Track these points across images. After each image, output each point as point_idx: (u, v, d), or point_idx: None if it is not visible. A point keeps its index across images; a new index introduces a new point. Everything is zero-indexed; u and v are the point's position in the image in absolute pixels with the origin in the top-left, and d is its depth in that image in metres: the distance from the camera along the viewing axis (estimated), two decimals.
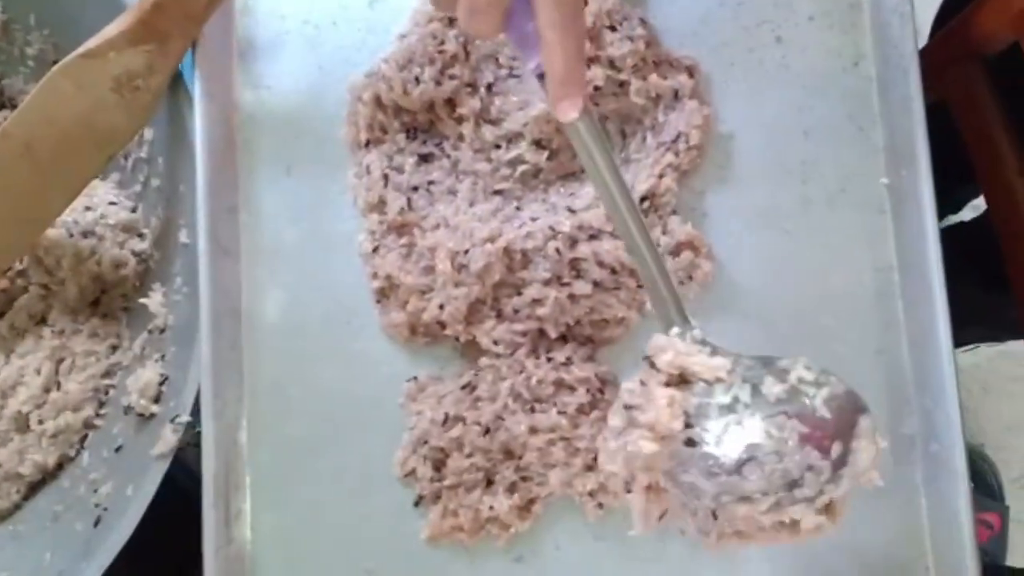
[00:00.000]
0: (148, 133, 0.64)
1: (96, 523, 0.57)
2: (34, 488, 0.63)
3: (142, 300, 0.60)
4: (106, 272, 0.63)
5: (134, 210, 0.65)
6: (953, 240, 0.87)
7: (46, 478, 0.63)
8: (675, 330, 0.45)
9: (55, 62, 0.57)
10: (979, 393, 1.27)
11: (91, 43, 0.54)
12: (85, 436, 0.63)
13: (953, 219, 1.07)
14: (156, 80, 0.55)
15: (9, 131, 0.56)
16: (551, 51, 0.42)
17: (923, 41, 0.71)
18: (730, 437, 0.43)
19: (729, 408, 0.43)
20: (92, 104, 0.55)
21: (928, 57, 0.65)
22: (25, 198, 0.58)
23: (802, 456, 0.41)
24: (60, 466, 0.63)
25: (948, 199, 0.94)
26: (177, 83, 0.59)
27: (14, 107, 0.69)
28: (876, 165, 0.56)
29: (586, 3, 0.56)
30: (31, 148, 0.56)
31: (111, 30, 0.54)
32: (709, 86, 0.57)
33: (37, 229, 0.61)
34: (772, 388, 0.43)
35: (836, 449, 0.41)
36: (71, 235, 0.63)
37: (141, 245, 0.64)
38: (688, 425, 0.43)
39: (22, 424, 0.62)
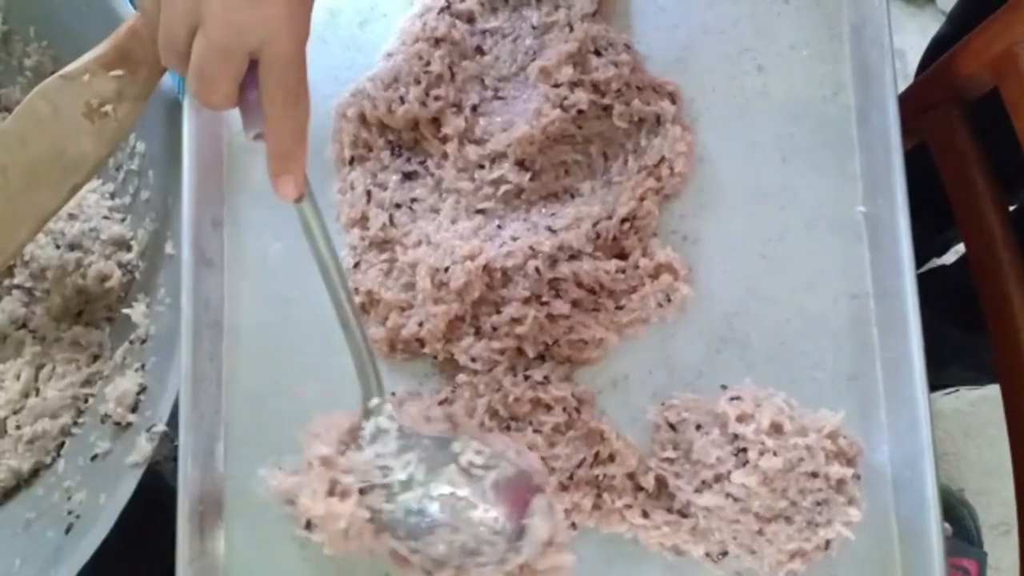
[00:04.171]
0: (140, 146, 0.64)
1: (68, 530, 0.57)
2: (8, 494, 0.63)
3: (125, 310, 0.61)
4: (91, 285, 0.63)
5: (123, 220, 0.65)
6: (935, 281, 0.88)
7: (20, 484, 0.63)
8: (374, 401, 0.50)
9: (53, 73, 0.57)
10: (960, 438, 1.26)
11: (70, 66, 0.54)
12: (62, 443, 0.63)
13: (937, 262, 1.08)
14: (123, 108, 0.55)
15: None
16: (271, 127, 0.43)
17: (909, 84, 0.72)
18: (412, 508, 0.48)
19: (405, 485, 0.48)
20: (64, 129, 0.55)
21: (910, 100, 0.66)
22: None
23: (475, 531, 0.47)
24: (35, 472, 0.63)
25: (933, 241, 0.95)
26: (168, 98, 0.60)
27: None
28: (853, 193, 0.56)
29: (571, 29, 0.57)
30: (5, 172, 0.56)
31: (89, 55, 0.54)
32: (691, 112, 0.58)
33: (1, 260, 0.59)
34: (447, 471, 0.48)
35: (508, 526, 0.47)
36: (58, 246, 0.63)
37: (128, 256, 0.64)
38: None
39: None
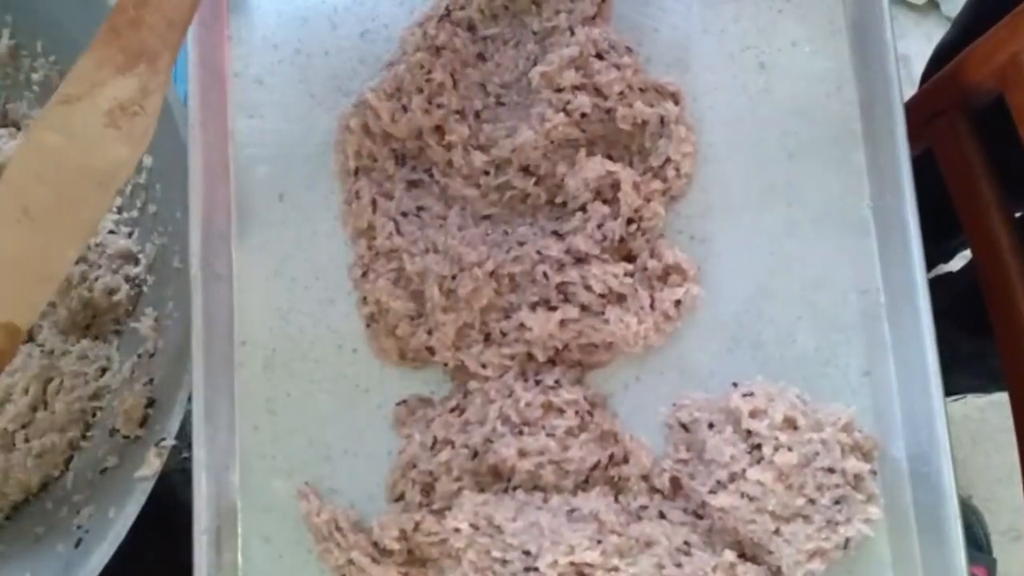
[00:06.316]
0: (147, 160, 0.65)
1: (77, 545, 0.57)
2: (16, 508, 0.63)
3: (133, 324, 0.61)
4: (98, 299, 0.63)
5: (131, 235, 0.66)
6: (943, 288, 0.87)
7: (29, 498, 0.63)
8: None
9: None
10: (968, 444, 1.25)
11: (67, 85, 0.49)
12: (70, 457, 0.63)
13: (944, 268, 1.07)
14: (153, 100, 0.51)
15: None
16: None
17: (915, 91, 0.72)
18: None
19: None
20: (86, 147, 0.50)
21: (916, 107, 0.66)
22: (30, 261, 0.51)
23: None
24: (44, 486, 0.63)
25: (940, 248, 0.95)
26: (175, 113, 0.60)
27: (18, 129, 0.70)
28: (860, 188, 0.56)
29: (572, 33, 0.57)
30: (28, 212, 0.50)
31: (86, 64, 0.49)
32: (694, 112, 0.58)
33: (48, 286, 0.53)
34: None
35: None
36: None
37: (135, 270, 0.65)
38: None
39: (7, 443, 0.62)
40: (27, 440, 0.62)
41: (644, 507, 0.53)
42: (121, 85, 0.50)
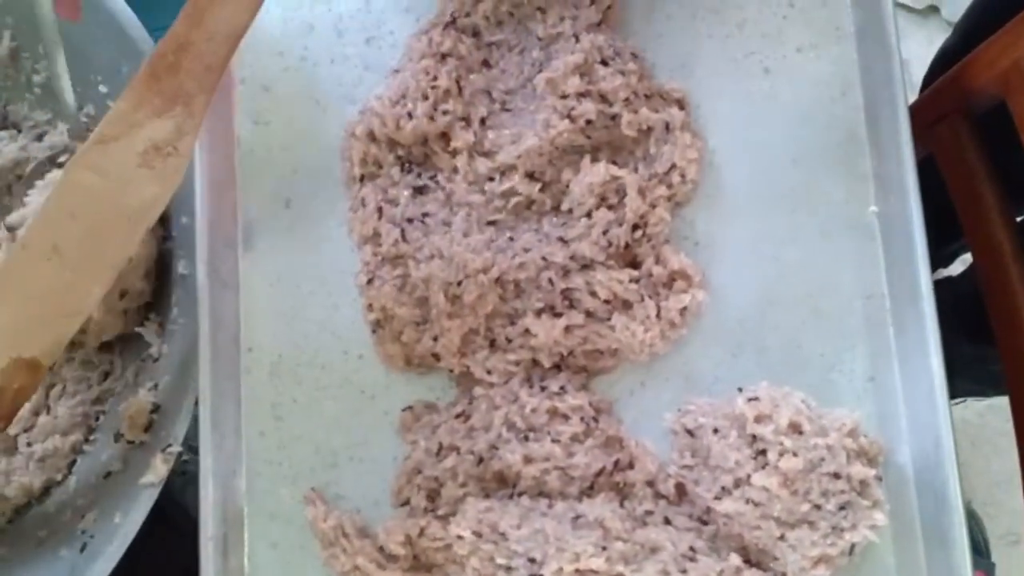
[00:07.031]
0: None
1: (82, 549, 0.57)
2: (19, 511, 0.63)
3: (137, 329, 0.61)
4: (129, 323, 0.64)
5: None
6: (942, 292, 0.88)
7: (32, 502, 0.63)
8: None
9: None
10: (967, 448, 1.24)
11: (105, 126, 0.50)
12: (73, 461, 0.63)
13: (943, 273, 1.07)
14: (186, 141, 0.52)
15: (31, 240, 0.51)
16: None
17: (914, 97, 0.72)
18: None
19: None
20: (120, 186, 0.51)
21: (917, 113, 0.66)
22: (57, 297, 0.52)
23: None
24: (47, 490, 0.63)
25: (940, 252, 0.95)
26: None
27: (19, 131, 0.70)
28: (865, 193, 0.56)
29: (577, 39, 0.57)
30: (58, 250, 0.51)
31: (124, 107, 0.50)
32: (699, 117, 0.58)
33: (74, 323, 0.54)
34: None
35: None
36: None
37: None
38: None
39: (9, 446, 0.62)
40: (29, 444, 0.62)
41: (649, 513, 0.53)
42: (157, 127, 0.50)
